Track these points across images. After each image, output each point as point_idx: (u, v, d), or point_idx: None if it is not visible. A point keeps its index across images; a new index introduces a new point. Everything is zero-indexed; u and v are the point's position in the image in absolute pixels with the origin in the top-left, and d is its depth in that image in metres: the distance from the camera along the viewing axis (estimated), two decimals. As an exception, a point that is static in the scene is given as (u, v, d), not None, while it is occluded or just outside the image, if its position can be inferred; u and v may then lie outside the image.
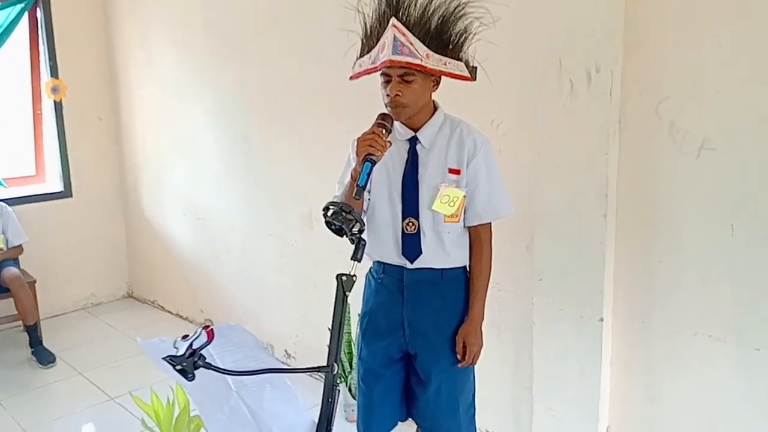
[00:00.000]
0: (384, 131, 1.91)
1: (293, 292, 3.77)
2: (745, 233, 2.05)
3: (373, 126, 1.93)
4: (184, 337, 1.35)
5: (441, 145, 2.03)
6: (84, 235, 4.95)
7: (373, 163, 1.85)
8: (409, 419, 2.25)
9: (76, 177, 4.85)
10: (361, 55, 2.02)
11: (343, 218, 1.68)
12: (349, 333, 3.19)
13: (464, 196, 2.00)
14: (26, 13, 4.46)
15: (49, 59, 4.60)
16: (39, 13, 4.56)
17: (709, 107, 2.05)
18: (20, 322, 4.18)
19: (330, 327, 1.61)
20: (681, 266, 2.20)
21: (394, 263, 2.07)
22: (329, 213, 1.73)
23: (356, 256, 1.68)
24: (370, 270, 2.19)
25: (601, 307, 2.34)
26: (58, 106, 4.68)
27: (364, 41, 2.02)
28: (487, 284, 2.10)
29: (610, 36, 2.15)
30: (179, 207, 4.57)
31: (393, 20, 1.89)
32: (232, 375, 1.40)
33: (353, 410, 3.11)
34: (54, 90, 4.63)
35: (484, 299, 2.10)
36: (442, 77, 1.98)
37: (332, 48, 3.19)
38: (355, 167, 1.93)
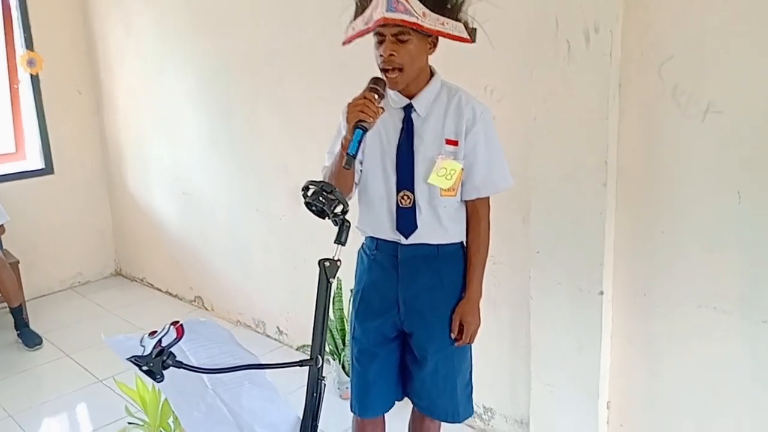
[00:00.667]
0: (376, 96, 1.79)
1: (283, 269, 3.68)
2: (752, 201, 1.95)
3: (364, 91, 1.81)
4: (152, 333, 1.24)
5: (438, 114, 1.91)
6: (68, 213, 4.83)
7: (365, 130, 1.73)
8: (405, 398, 2.18)
9: (58, 153, 4.70)
10: (355, 18, 1.90)
11: (324, 198, 1.55)
12: (341, 310, 3.11)
13: (462, 169, 1.90)
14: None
15: (24, 31, 4.41)
16: (10, -18, 4.37)
17: (714, 67, 1.94)
18: (5, 304, 4.08)
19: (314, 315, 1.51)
20: (685, 236, 2.10)
21: (388, 239, 1.98)
22: (309, 193, 1.60)
23: (340, 240, 1.56)
24: (362, 246, 2.09)
25: (601, 279, 2.25)
26: (35, 80, 4.51)
27: (358, 3, 1.89)
28: (485, 261, 2.02)
29: (609, -8, 2.02)
30: (164, 182, 4.44)
31: None
32: (206, 373, 1.30)
33: (347, 387, 3.05)
34: (30, 63, 4.45)
35: (482, 276, 2.02)
36: (439, 40, 1.85)
37: (317, 15, 3.06)
38: (346, 135, 1.81)
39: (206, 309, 4.34)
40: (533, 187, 2.35)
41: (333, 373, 3.19)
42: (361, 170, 1.97)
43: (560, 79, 2.18)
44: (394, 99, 1.93)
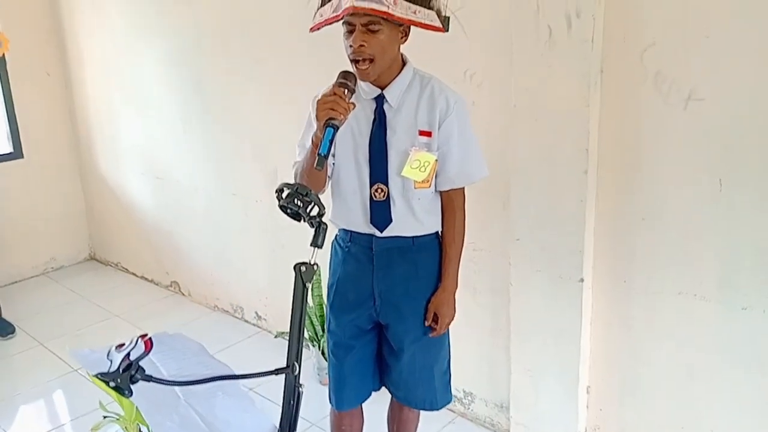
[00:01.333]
0: (346, 92, 1.72)
1: (261, 253, 3.63)
2: (733, 188, 1.94)
3: (333, 86, 1.75)
4: (119, 346, 1.19)
5: (410, 104, 1.86)
6: (39, 197, 4.71)
7: (336, 128, 1.67)
8: (383, 388, 2.17)
9: (27, 137, 4.57)
10: (323, 4, 1.82)
11: (300, 200, 1.50)
12: (320, 296, 3.08)
13: (436, 161, 1.85)
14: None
15: (-13, 10, 4.25)
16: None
17: (697, 54, 1.91)
18: (-25, 292, 4.00)
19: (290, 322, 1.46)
20: (666, 223, 2.09)
21: (362, 231, 1.94)
22: (284, 195, 1.54)
23: (316, 242, 1.50)
24: (336, 237, 2.04)
25: (581, 267, 2.24)
26: (1, 62, 4.36)
27: None
28: (461, 251, 1.99)
29: (591, -24, 1.98)
30: (137, 165, 4.34)
31: None
32: (177, 386, 1.25)
33: (326, 373, 3.03)
34: (-6, 44, 4.29)
35: (458, 267, 1.99)
36: (412, 28, 1.79)
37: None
38: (316, 133, 1.75)
39: (183, 294, 4.28)
40: (513, 173, 2.32)
41: (312, 358, 3.17)
42: (333, 164, 1.92)
43: (541, 64, 2.14)
44: (365, 90, 1.86)
